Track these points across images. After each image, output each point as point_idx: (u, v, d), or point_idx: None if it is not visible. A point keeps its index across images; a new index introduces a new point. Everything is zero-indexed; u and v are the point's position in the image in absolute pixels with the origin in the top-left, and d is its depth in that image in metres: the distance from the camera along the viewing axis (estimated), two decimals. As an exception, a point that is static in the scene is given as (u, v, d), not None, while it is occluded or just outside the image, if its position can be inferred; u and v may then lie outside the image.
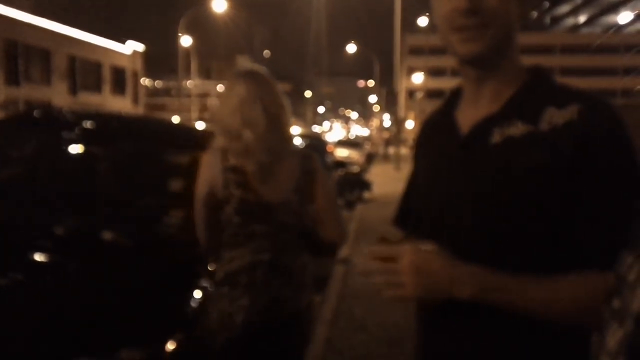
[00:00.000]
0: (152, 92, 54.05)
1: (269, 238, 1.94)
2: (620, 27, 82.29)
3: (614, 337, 0.60)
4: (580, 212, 0.96)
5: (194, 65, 38.04)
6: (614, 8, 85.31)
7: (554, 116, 0.99)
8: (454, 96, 1.18)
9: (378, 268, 1.02)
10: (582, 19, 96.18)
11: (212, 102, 53.27)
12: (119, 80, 38.74)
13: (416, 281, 0.99)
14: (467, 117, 1.11)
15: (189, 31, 34.78)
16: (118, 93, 38.53)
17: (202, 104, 47.67)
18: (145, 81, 47.10)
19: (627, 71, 62.92)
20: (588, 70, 57.73)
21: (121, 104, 37.62)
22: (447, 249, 1.03)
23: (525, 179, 0.98)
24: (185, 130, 3.83)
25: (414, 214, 1.23)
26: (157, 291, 2.16)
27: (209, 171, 1.97)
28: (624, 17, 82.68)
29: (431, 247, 1.03)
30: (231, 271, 1.93)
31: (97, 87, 36.28)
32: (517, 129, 1.02)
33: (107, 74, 37.21)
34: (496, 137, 1.03)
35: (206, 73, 59.86)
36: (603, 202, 0.95)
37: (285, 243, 1.98)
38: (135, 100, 40.63)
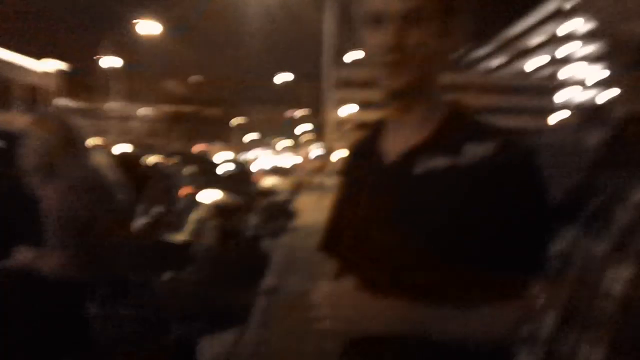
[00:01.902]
0: (70, 113, 52.13)
1: None
2: (531, 71, 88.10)
3: None
4: (494, 243, 1.00)
5: (116, 87, 37.06)
6: (526, 53, 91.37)
7: (474, 150, 1.04)
8: (379, 126, 1.21)
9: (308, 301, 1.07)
10: (497, 62, 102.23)
11: (134, 125, 51.95)
12: (34, 99, 37.00)
13: (335, 315, 1.03)
14: (391, 147, 1.14)
15: (112, 51, 33.93)
16: (29, 112, 36.79)
17: (124, 127, 46.38)
18: (61, 101, 45.34)
19: (538, 112, 67.07)
20: (503, 109, 61.01)
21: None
22: (368, 276, 1.06)
23: (446, 211, 1.02)
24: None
25: (339, 240, 1.24)
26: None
27: None
28: (535, 62, 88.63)
29: (348, 281, 1.06)
30: None
31: (4, 106, 34.48)
32: (440, 161, 1.06)
33: (17, 92, 35.44)
34: (420, 167, 1.08)
35: (130, 95, 58.55)
36: (515, 234, 0.99)
37: None
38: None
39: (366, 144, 1.23)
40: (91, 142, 2.29)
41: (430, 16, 1.05)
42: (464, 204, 1.01)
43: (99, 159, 2.21)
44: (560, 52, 79.80)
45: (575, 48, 76.13)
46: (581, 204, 0.57)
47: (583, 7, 0.57)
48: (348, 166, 1.30)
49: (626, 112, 0.57)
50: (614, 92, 0.59)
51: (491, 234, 1.00)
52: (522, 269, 0.74)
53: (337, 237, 1.26)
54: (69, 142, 2.09)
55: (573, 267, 0.55)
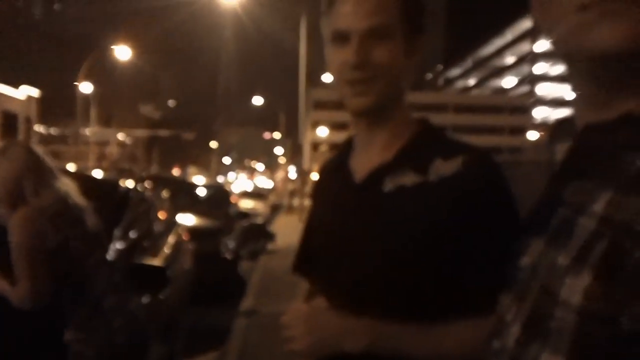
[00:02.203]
0: (47, 140, 51.43)
1: None
2: (505, 90, 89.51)
3: None
4: (465, 258, 1.02)
5: (93, 113, 36.71)
6: (500, 73, 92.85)
7: (441, 167, 1.05)
8: (348, 145, 1.22)
9: (283, 322, 1.07)
10: (472, 81, 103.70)
11: (112, 150, 51.43)
12: (10, 126, 36.45)
13: (307, 335, 1.03)
14: (360, 165, 1.14)
15: (89, 78, 33.68)
16: (8, 139, 36.20)
17: (101, 152, 45.91)
18: (40, 128, 44.72)
19: (512, 131, 68.04)
20: (478, 128, 61.84)
21: (11, 151, 35.25)
22: (341, 295, 1.07)
23: (415, 227, 1.04)
24: (82, 178, 3.67)
25: (312, 260, 1.26)
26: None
27: None
28: (509, 81, 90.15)
29: (322, 301, 1.07)
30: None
31: (-16, 134, 33.88)
32: (409, 178, 1.07)
33: (-4, 120, 34.91)
34: (389, 185, 1.08)
35: (106, 121, 57.99)
36: (485, 249, 1.01)
37: None
38: (27, 147, 38.23)
39: (336, 163, 1.23)
40: (58, 168, 2.28)
41: (395, 35, 1.06)
42: (434, 220, 1.02)
43: (68, 185, 2.22)
44: (537, 70, 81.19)
45: (552, 66, 77.49)
46: (547, 216, 0.58)
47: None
48: (318, 187, 1.30)
49: (584, 123, 0.59)
50: (576, 104, 0.61)
51: (461, 250, 1.02)
52: (492, 283, 0.73)
53: (309, 258, 1.27)
54: (35, 170, 2.09)
55: (538, 279, 0.57)
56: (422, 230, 1.03)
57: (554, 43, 0.57)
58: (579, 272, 0.51)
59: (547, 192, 0.62)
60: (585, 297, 0.50)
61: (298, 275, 1.32)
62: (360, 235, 1.10)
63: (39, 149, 2.22)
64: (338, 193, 1.18)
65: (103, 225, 2.85)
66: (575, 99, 0.61)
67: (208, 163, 77.89)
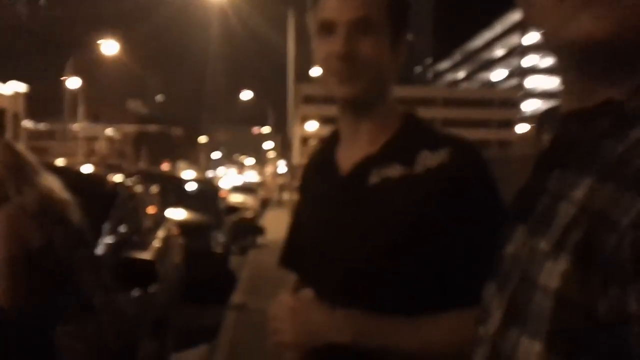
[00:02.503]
0: (35, 135, 50.98)
1: None
2: (494, 83, 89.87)
3: None
4: (451, 250, 1.03)
5: (81, 108, 36.43)
6: (489, 66, 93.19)
7: (428, 159, 1.05)
8: (334, 137, 1.22)
9: (269, 315, 1.07)
10: (461, 74, 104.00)
11: (100, 145, 51.07)
12: (-2, 122, 36.08)
13: (293, 327, 1.03)
14: (346, 157, 1.14)
15: (76, 73, 33.39)
16: (-4, 135, 35.75)
17: (90, 147, 45.60)
18: (28, 123, 44.30)
19: (502, 124, 68.36)
20: (467, 122, 62.05)
21: (-1, 147, 34.86)
22: (328, 287, 1.07)
23: (401, 219, 1.04)
24: (70, 173, 3.67)
25: (299, 253, 1.26)
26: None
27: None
28: (498, 74, 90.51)
29: (308, 294, 1.08)
30: None
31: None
32: (394, 170, 1.07)
33: (-17, 116, 34.56)
34: (374, 177, 1.08)
35: (94, 116, 57.57)
36: (471, 240, 1.02)
37: None
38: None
39: (321, 156, 1.23)
40: (40, 163, 2.24)
41: (380, 28, 1.06)
42: (419, 211, 1.03)
43: (51, 181, 2.19)
44: (526, 62, 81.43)
45: (541, 58, 77.74)
46: (530, 205, 0.59)
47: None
48: (304, 179, 1.29)
49: (567, 111, 0.60)
50: (561, 94, 0.62)
51: (447, 241, 1.02)
52: (478, 274, 0.73)
53: (296, 251, 1.27)
54: (16, 168, 2.06)
55: (519, 266, 0.58)
56: (407, 221, 1.04)
57: (540, 34, 0.58)
58: (557, 257, 0.51)
59: (529, 181, 0.62)
60: (563, 283, 0.50)
61: (284, 268, 1.32)
62: (346, 228, 1.10)
63: (19, 145, 2.20)
64: (324, 186, 1.18)
65: (92, 220, 2.85)
66: (562, 89, 0.62)
67: (197, 158, 77.64)
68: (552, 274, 0.51)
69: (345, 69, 1.06)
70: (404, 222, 1.04)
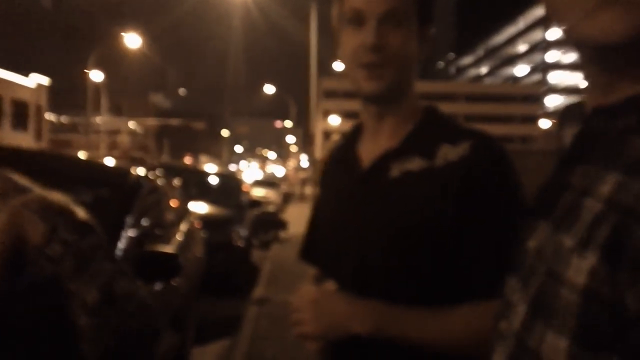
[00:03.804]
0: (58, 128, 51.71)
1: None
2: (517, 79, 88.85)
3: (500, 358, 0.63)
4: (471, 243, 1.02)
5: (103, 101, 36.86)
6: (512, 61, 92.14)
7: (448, 152, 1.05)
8: (356, 131, 1.22)
9: (291, 306, 1.07)
10: (484, 70, 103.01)
11: (122, 139, 51.68)
12: (21, 114, 36.72)
13: (315, 318, 1.04)
14: (367, 151, 1.15)
15: (99, 66, 33.77)
16: (19, 128, 36.46)
17: (112, 141, 46.18)
18: (50, 116, 44.98)
19: (524, 119, 67.58)
20: (490, 117, 61.45)
21: (22, 140, 35.54)
22: (347, 281, 1.07)
23: (421, 212, 1.04)
24: (93, 166, 3.69)
25: (319, 247, 1.27)
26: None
27: None
28: (521, 69, 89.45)
29: (330, 285, 1.07)
30: None
31: (-5, 122, 34.18)
32: (415, 164, 1.07)
33: (7, 108, 35.16)
34: (395, 171, 1.08)
35: (117, 109, 58.24)
36: (491, 234, 1.02)
37: None
38: (39, 136, 38.60)
39: (343, 150, 1.23)
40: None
41: (409, 21, 1.07)
42: (440, 205, 1.02)
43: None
44: (549, 58, 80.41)
45: (564, 53, 76.68)
46: (554, 200, 0.59)
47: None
48: (325, 173, 1.30)
49: (591, 107, 0.60)
50: (586, 89, 0.62)
51: (467, 234, 1.02)
52: (498, 268, 0.73)
53: (316, 245, 1.28)
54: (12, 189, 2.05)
55: (544, 261, 0.57)
56: (428, 215, 1.03)
57: (562, 30, 0.58)
58: (584, 253, 0.51)
59: (554, 176, 0.62)
60: (590, 278, 0.50)
61: (305, 261, 1.33)
62: (366, 222, 1.10)
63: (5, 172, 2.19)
64: (345, 179, 1.17)
65: (114, 213, 2.85)
66: (585, 84, 0.61)
67: (219, 152, 78.20)
68: (579, 270, 0.51)
69: (376, 60, 1.06)
70: (424, 216, 1.04)
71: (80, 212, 2.21)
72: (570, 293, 0.52)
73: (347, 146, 1.21)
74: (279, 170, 55.61)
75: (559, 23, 0.58)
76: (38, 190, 2.12)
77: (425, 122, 1.12)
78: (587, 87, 0.61)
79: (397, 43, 1.05)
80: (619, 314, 0.48)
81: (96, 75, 33.91)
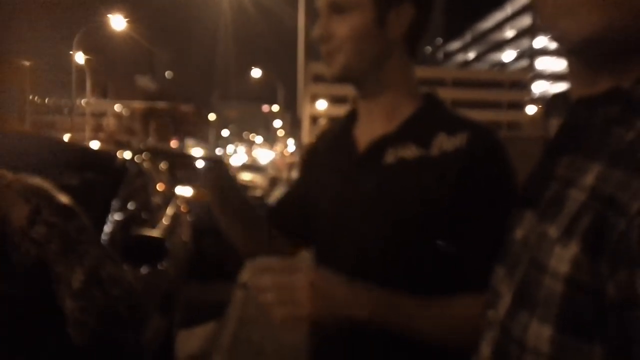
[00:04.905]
0: (42, 110, 51.01)
1: None
2: (504, 65, 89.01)
3: (488, 346, 0.64)
4: (462, 234, 1.02)
5: (88, 83, 36.37)
6: (499, 47, 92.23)
7: (444, 142, 1.04)
8: (352, 115, 1.22)
9: (272, 283, 0.92)
10: (471, 55, 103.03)
11: (108, 122, 51.13)
12: (5, 96, 36.18)
13: (314, 299, 0.93)
14: (363, 135, 1.15)
15: (85, 48, 33.29)
16: (1, 110, 35.95)
17: (97, 123, 45.68)
18: (35, 98, 44.36)
19: (511, 105, 67.85)
20: (477, 103, 61.59)
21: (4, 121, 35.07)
22: (342, 264, 1.05)
23: (413, 201, 1.03)
24: (79, 149, 3.66)
25: (289, 216, 1.29)
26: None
27: None
28: (508, 55, 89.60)
29: (326, 269, 1.03)
30: None
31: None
32: (410, 151, 1.06)
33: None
34: (390, 157, 1.08)
35: (102, 92, 57.53)
36: (483, 225, 1.00)
37: None
38: (22, 117, 38.12)
39: (339, 130, 1.23)
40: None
41: (361, 6, 1.07)
42: (432, 194, 1.02)
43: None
44: (537, 43, 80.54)
45: (551, 40, 76.89)
46: (539, 190, 0.59)
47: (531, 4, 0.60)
48: (317, 151, 1.29)
49: (575, 97, 0.60)
50: (569, 79, 0.62)
51: (457, 225, 1.02)
52: (491, 259, 0.72)
53: (286, 213, 1.30)
54: None
55: (528, 250, 0.58)
56: (419, 203, 1.03)
57: (543, 25, 0.59)
58: (567, 242, 0.52)
59: (539, 166, 0.63)
60: (573, 267, 0.51)
61: (272, 224, 1.31)
62: (359, 206, 1.09)
63: None
64: (340, 163, 1.17)
65: (100, 197, 2.83)
66: (568, 74, 0.62)
67: (206, 136, 77.75)
68: (562, 259, 0.52)
69: (324, 49, 1.10)
70: (416, 204, 1.03)
71: (63, 197, 2.20)
72: (554, 282, 0.52)
73: (343, 129, 1.21)
74: (266, 155, 55.50)
75: (540, 19, 0.59)
76: (17, 174, 2.10)
77: (422, 109, 1.11)
78: (569, 77, 0.62)
79: (342, 30, 1.07)
80: (600, 301, 0.48)
81: (81, 57, 33.42)
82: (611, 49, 0.54)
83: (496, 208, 0.99)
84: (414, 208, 1.03)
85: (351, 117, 1.21)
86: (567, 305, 0.51)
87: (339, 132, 1.22)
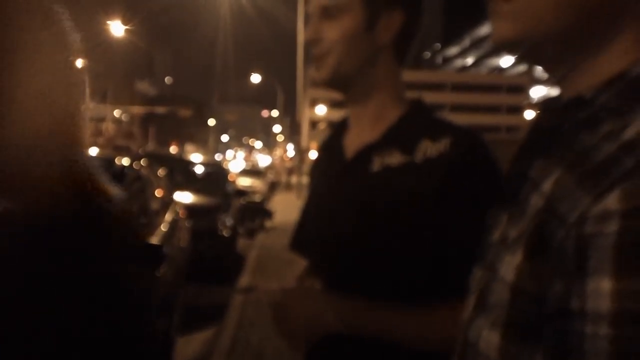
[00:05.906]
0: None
1: None
2: (503, 69, 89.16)
3: (455, 351, 0.64)
4: (447, 241, 1.02)
5: (88, 89, 36.30)
6: (498, 51, 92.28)
7: (429, 148, 1.05)
8: (344, 122, 1.23)
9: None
10: (470, 60, 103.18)
11: (107, 126, 51.17)
12: None
13: (292, 316, 1.05)
14: (352, 142, 1.15)
15: (84, 52, 33.26)
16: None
17: (97, 128, 45.72)
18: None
19: (510, 110, 67.90)
20: (475, 107, 61.63)
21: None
22: (329, 273, 1.08)
23: (398, 207, 1.04)
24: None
25: (309, 237, 1.26)
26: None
27: None
28: (507, 60, 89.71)
29: (312, 282, 1.08)
30: None
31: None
32: (395, 158, 1.07)
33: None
34: (376, 164, 1.08)
35: (101, 97, 57.60)
36: (467, 231, 0.99)
37: None
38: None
39: (331, 140, 1.24)
40: None
41: (350, 10, 1.08)
42: (416, 201, 1.02)
43: None
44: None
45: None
46: (514, 191, 0.59)
47: None
48: (315, 163, 1.30)
49: (543, 102, 0.62)
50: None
51: (442, 232, 1.01)
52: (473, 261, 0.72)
53: (305, 235, 1.27)
54: None
55: (492, 255, 0.58)
56: (404, 210, 1.03)
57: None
58: (515, 249, 0.52)
59: (515, 167, 0.62)
60: (517, 275, 0.51)
61: (294, 252, 1.32)
62: (346, 213, 1.10)
63: None
64: (330, 170, 1.18)
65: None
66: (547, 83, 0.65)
67: (205, 140, 77.71)
68: (510, 266, 0.52)
69: (315, 52, 1.12)
70: (401, 210, 1.03)
71: None
72: (502, 289, 0.52)
73: (335, 136, 1.22)
74: (265, 160, 55.42)
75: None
76: None
77: (407, 116, 1.11)
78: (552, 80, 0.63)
79: (331, 34, 1.09)
80: (542, 311, 0.48)
81: (79, 62, 33.39)
82: (533, 52, 0.57)
83: (479, 211, 0.98)
84: (399, 215, 1.03)
85: (342, 125, 1.23)
86: (513, 313, 0.51)
87: (330, 140, 1.24)
